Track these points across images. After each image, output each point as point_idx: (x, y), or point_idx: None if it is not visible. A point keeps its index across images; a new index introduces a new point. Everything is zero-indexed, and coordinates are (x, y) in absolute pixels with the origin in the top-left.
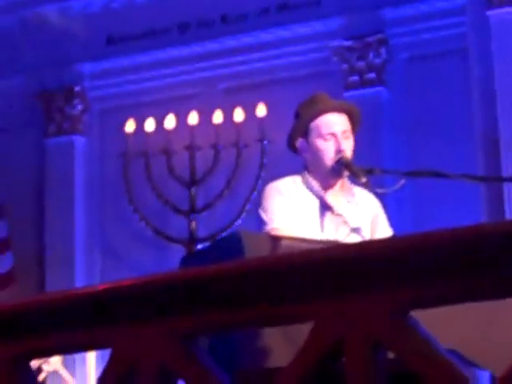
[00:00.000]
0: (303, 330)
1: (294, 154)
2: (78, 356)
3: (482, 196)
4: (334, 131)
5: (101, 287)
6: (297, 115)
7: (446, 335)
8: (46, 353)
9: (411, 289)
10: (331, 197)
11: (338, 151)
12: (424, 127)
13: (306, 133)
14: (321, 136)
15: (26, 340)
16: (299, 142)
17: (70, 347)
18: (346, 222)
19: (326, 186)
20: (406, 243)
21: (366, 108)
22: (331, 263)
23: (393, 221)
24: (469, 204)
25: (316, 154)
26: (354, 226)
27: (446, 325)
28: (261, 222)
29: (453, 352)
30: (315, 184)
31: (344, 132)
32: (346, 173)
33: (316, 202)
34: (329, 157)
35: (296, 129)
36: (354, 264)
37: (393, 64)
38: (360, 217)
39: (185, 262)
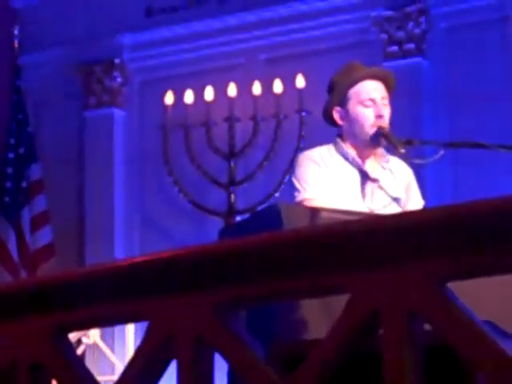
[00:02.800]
0: (340, 301)
1: (330, 125)
2: (116, 330)
3: None
4: (374, 97)
5: (138, 259)
6: (332, 85)
7: (481, 307)
8: (85, 325)
9: (448, 260)
10: (370, 166)
11: (379, 116)
12: (464, 97)
13: (343, 101)
14: (360, 102)
15: (65, 312)
16: (336, 111)
17: (108, 319)
18: (384, 190)
19: (362, 153)
20: (443, 213)
21: (405, 78)
22: (368, 235)
23: (432, 192)
24: (509, 175)
25: (355, 121)
26: (394, 195)
27: (480, 296)
28: (294, 191)
29: (489, 323)
30: (351, 152)
31: (383, 98)
32: (384, 143)
33: (353, 171)
34: (369, 123)
35: (333, 98)
36: (390, 235)
37: (432, 34)
38: (395, 184)
39: (223, 233)
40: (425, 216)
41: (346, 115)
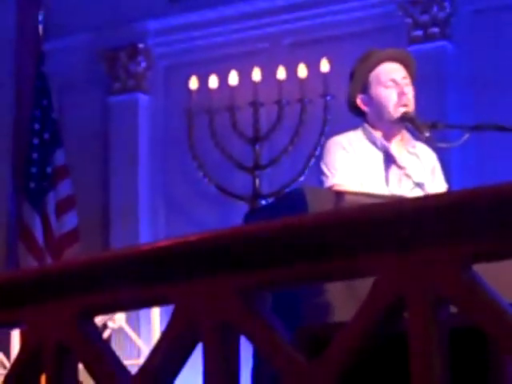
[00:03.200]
0: (366, 285)
1: (356, 114)
2: (142, 314)
3: None
4: (394, 77)
5: (163, 243)
6: (352, 74)
7: (507, 289)
8: (110, 309)
9: (473, 242)
10: (394, 148)
11: (401, 94)
12: (489, 81)
13: (365, 87)
14: (381, 84)
15: (90, 296)
16: (360, 98)
17: (133, 303)
18: (409, 176)
19: (388, 137)
20: (467, 196)
21: (430, 62)
22: (392, 218)
23: (457, 176)
24: None
25: (379, 103)
26: (418, 180)
27: (506, 279)
28: (322, 176)
29: None
30: (378, 135)
31: (403, 78)
32: (409, 126)
33: (379, 155)
34: (392, 103)
35: (354, 85)
36: (414, 218)
37: (457, 18)
38: (421, 169)
39: (248, 218)
40: (449, 199)
41: (369, 100)
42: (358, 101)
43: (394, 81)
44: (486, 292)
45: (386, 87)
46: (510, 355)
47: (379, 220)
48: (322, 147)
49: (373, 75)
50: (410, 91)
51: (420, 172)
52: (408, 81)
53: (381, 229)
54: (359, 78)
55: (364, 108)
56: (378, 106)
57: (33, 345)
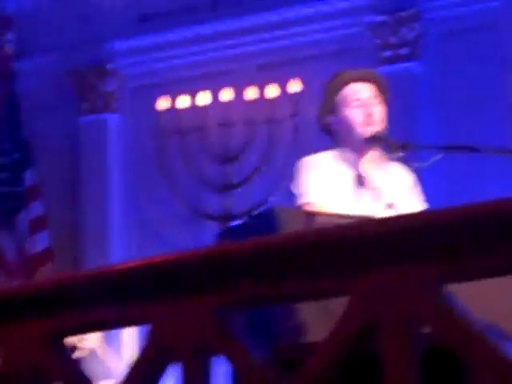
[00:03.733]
0: (339, 304)
1: (327, 134)
2: (115, 336)
3: None
4: (360, 97)
5: (136, 263)
6: (323, 93)
7: (482, 309)
8: (83, 329)
9: (445, 262)
10: (366, 169)
11: (367, 115)
12: (459, 101)
13: (333, 108)
14: (348, 105)
15: (62, 316)
16: (329, 119)
17: (107, 323)
18: (381, 197)
19: (360, 158)
20: (439, 216)
21: (400, 83)
22: (365, 237)
23: (428, 195)
24: (504, 178)
25: (346, 125)
26: (390, 200)
27: (481, 299)
28: (295, 197)
29: (489, 326)
30: (350, 156)
31: (370, 97)
32: (379, 145)
33: (350, 175)
34: (359, 123)
35: (323, 105)
36: (387, 237)
37: (426, 39)
38: (395, 191)
39: (220, 237)
40: (422, 218)
41: (338, 121)
42: (328, 121)
43: (360, 100)
44: (458, 312)
45: (352, 107)
46: (483, 375)
47: (351, 240)
48: (293, 167)
49: (340, 96)
50: (377, 111)
51: (392, 192)
52: (376, 100)
53: (353, 249)
54: (328, 99)
55: (334, 128)
56: (346, 127)
57: (6, 365)
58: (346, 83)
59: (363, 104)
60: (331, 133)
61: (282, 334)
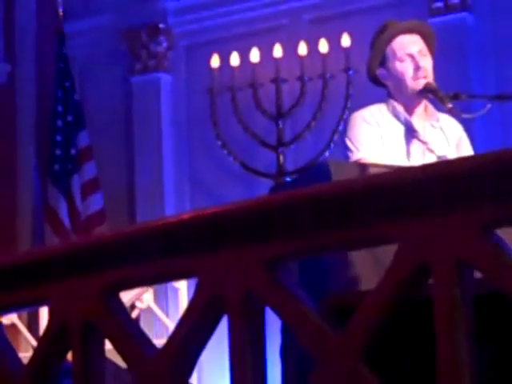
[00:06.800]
0: (390, 253)
1: (377, 85)
2: (170, 293)
3: None
4: (410, 51)
5: (187, 216)
6: (371, 46)
7: None
8: (135, 283)
9: (496, 206)
10: (417, 122)
11: (417, 68)
12: (510, 51)
13: (383, 60)
14: (397, 58)
15: (115, 271)
16: (379, 71)
17: (158, 277)
18: (432, 150)
19: (411, 111)
20: (488, 160)
21: (451, 34)
22: (414, 183)
23: (481, 146)
24: None
25: (396, 78)
26: (440, 153)
27: None
28: (347, 151)
29: None
30: (401, 109)
31: (420, 51)
32: (431, 97)
33: (402, 129)
34: (409, 76)
35: (372, 58)
36: (437, 183)
37: None
38: (445, 143)
39: (272, 192)
40: (470, 163)
41: (387, 74)
42: (378, 74)
43: (409, 55)
44: (509, 256)
45: (402, 61)
46: None
47: (401, 186)
48: (346, 122)
49: (389, 49)
50: (426, 63)
51: (443, 146)
52: (425, 52)
53: (403, 195)
54: (377, 52)
55: (384, 81)
56: (396, 80)
57: (59, 322)
58: (395, 36)
59: (413, 57)
60: (382, 85)
61: (333, 285)
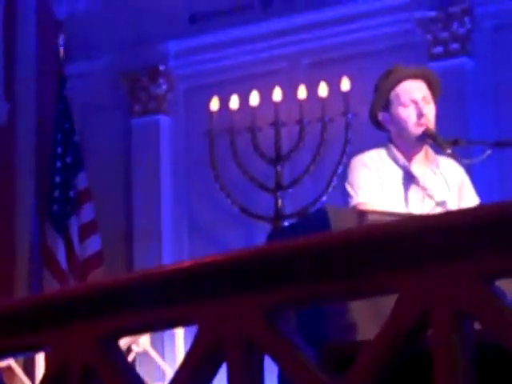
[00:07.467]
0: (389, 302)
1: (378, 129)
2: (166, 337)
3: None
4: (414, 97)
5: (187, 264)
6: (375, 89)
7: None
8: (135, 330)
9: (496, 257)
10: (416, 168)
11: (420, 115)
12: (510, 97)
13: (386, 105)
14: (401, 104)
15: (115, 318)
16: (381, 115)
17: (158, 324)
18: (431, 197)
19: (411, 157)
20: (491, 212)
21: (450, 79)
22: (416, 234)
23: (480, 192)
24: None
25: (399, 124)
26: (440, 199)
27: None
28: (347, 196)
29: None
30: (400, 155)
31: (424, 98)
32: (430, 142)
33: (401, 174)
34: (411, 123)
35: (376, 102)
36: (438, 234)
37: (477, 34)
38: (446, 188)
39: (271, 237)
40: (473, 214)
41: (390, 118)
42: (380, 118)
43: (413, 101)
44: (509, 308)
45: (406, 106)
46: None
47: (403, 237)
48: (345, 166)
49: (394, 94)
50: (430, 111)
51: (443, 191)
52: (429, 99)
53: (404, 245)
54: (381, 95)
55: (386, 126)
56: (398, 125)
57: (57, 368)
58: (401, 80)
59: (416, 104)
60: (383, 129)
61: (332, 333)
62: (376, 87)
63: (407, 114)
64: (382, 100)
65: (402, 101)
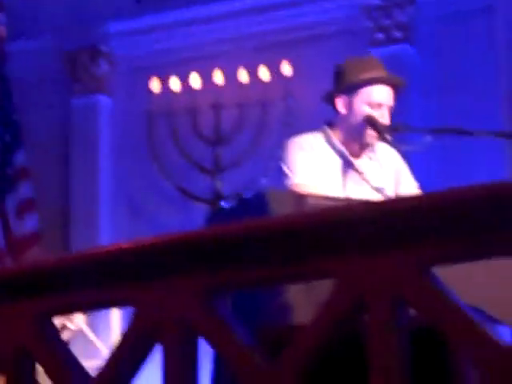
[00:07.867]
0: (325, 286)
1: (327, 103)
2: (101, 317)
3: (509, 153)
4: (383, 103)
5: (123, 245)
6: (342, 72)
7: (467, 293)
8: (70, 310)
9: (433, 245)
10: (353, 153)
11: (380, 116)
12: (451, 85)
13: (351, 92)
14: (369, 103)
15: (50, 297)
16: (340, 98)
17: (93, 305)
18: (367, 181)
19: (350, 146)
20: (426, 200)
21: (391, 65)
22: (354, 220)
23: (419, 179)
24: (495, 161)
25: (355, 116)
26: (377, 185)
27: (467, 282)
28: (284, 177)
29: (474, 309)
30: (337, 141)
31: (389, 106)
32: (372, 132)
33: (337, 158)
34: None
35: (340, 85)
36: (376, 221)
37: (420, 22)
38: (382, 174)
39: (210, 220)
40: (410, 202)
41: (348, 106)
42: (338, 100)
43: (380, 105)
44: (444, 295)
45: (372, 107)
46: (469, 356)
47: (341, 223)
48: (283, 149)
49: (366, 89)
50: (387, 115)
51: (380, 177)
52: (391, 107)
53: (342, 232)
54: (349, 82)
55: (340, 109)
56: (353, 117)
57: None
58: (378, 82)
59: (381, 110)
60: (332, 106)
61: (268, 315)
62: (344, 69)
63: (369, 113)
64: (351, 87)
65: (372, 101)
